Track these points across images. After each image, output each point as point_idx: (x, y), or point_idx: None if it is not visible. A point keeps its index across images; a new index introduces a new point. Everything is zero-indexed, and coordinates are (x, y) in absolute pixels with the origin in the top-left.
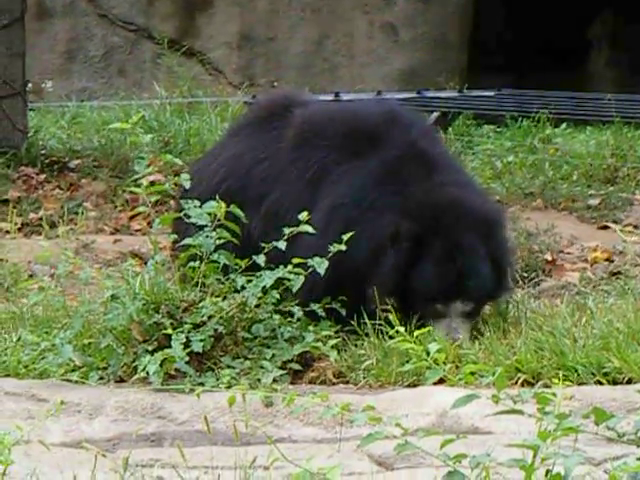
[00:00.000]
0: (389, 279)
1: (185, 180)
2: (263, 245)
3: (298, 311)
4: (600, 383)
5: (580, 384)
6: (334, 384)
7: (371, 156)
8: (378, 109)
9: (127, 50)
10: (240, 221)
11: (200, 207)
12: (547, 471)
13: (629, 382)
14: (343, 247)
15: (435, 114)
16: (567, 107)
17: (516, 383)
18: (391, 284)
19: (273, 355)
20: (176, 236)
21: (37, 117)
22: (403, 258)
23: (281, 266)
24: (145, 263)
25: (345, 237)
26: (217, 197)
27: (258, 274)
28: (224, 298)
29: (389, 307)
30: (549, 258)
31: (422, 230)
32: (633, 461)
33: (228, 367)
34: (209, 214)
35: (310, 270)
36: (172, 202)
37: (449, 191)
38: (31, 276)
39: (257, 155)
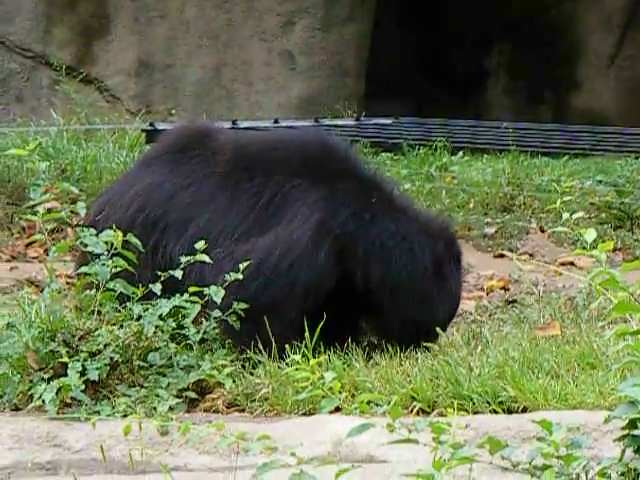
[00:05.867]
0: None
1: (81, 208)
2: (159, 274)
3: (194, 336)
4: (495, 412)
5: (475, 413)
6: (229, 413)
7: (333, 181)
8: (311, 137)
9: (24, 76)
10: (161, 245)
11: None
12: None
13: (524, 411)
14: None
15: None
16: (464, 135)
17: (411, 412)
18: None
19: (169, 384)
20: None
21: None
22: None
23: (177, 294)
24: (41, 291)
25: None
26: (134, 226)
27: (154, 302)
28: (120, 326)
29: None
30: None
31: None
32: None
33: (124, 395)
34: (106, 242)
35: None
36: (69, 230)
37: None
38: None
39: (180, 182)
